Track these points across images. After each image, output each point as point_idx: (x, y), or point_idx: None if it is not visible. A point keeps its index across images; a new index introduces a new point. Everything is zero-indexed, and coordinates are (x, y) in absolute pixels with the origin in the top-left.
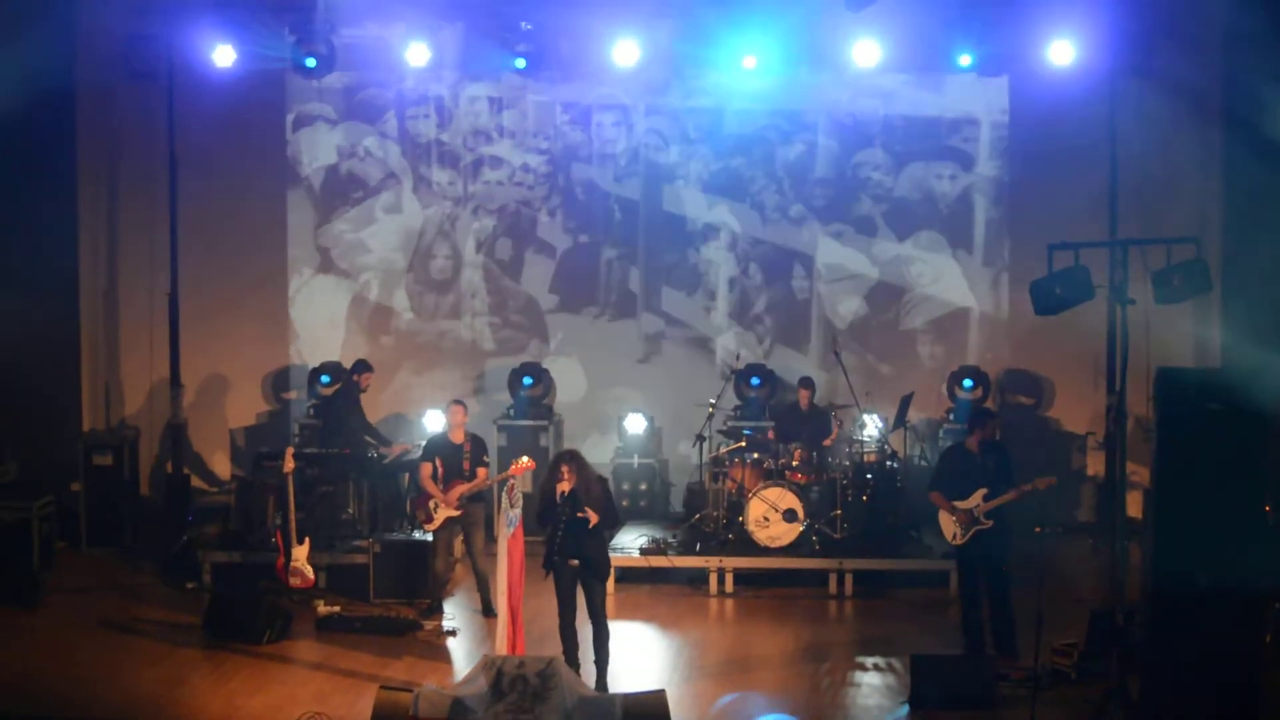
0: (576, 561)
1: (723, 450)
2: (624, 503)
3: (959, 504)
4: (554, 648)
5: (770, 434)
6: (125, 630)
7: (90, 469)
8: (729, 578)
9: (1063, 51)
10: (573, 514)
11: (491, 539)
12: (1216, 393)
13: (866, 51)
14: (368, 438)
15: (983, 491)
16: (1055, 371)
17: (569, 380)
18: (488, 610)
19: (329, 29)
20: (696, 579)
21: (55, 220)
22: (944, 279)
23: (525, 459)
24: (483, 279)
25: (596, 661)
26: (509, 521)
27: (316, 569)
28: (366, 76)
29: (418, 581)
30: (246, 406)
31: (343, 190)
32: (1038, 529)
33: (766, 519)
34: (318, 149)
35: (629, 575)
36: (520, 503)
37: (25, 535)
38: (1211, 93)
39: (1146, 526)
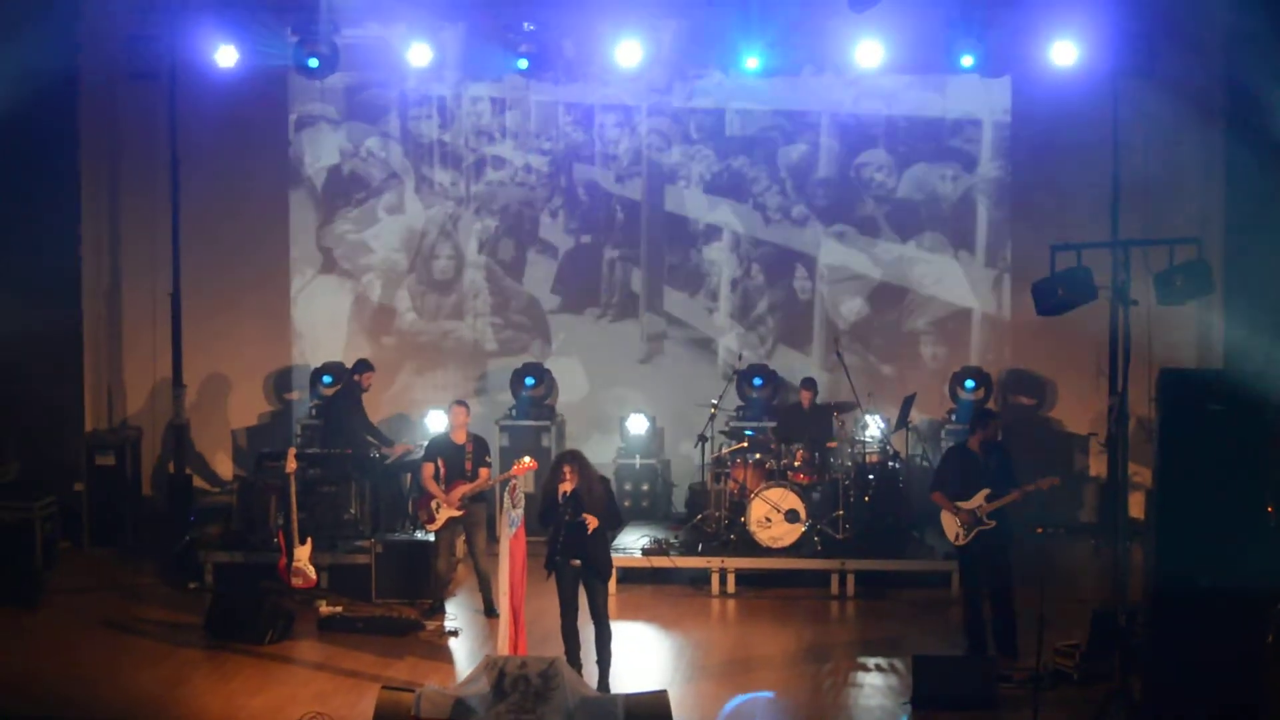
0: (578, 562)
1: (725, 451)
2: (626, 503)
3: (961, 504)
4: (556, 648)
5: (770, 435)
6: (127, 630)
7: (92, 469)
8: (731, 578)
9: (1065, 52)
10: (575, 515)
11: (493, 539)
12: (1219, 393)
13: (869, 52)
14: (369, 437)
15: (985, 492)
16: (1057, 372)
17: (571, 381)
18: (490, 610)
19: (331, 29)
20: (698, 579)
21: (57, 220)
22: (946, 280)
23: (527, 459)
24: (485, 279)
25: (598, 662)
26: (511, 522)
27: (318, 569)
28: (369, 77)
29: (420, 582)
30: (248, 407)
31: (345, 190)
32: (1040, 529)
33: (768, 519)
34: (320, 149)
35: (631, 576)
36: (522, 503)
37: (27, 535)
38: (1213, 93)
39: (1148, 527)
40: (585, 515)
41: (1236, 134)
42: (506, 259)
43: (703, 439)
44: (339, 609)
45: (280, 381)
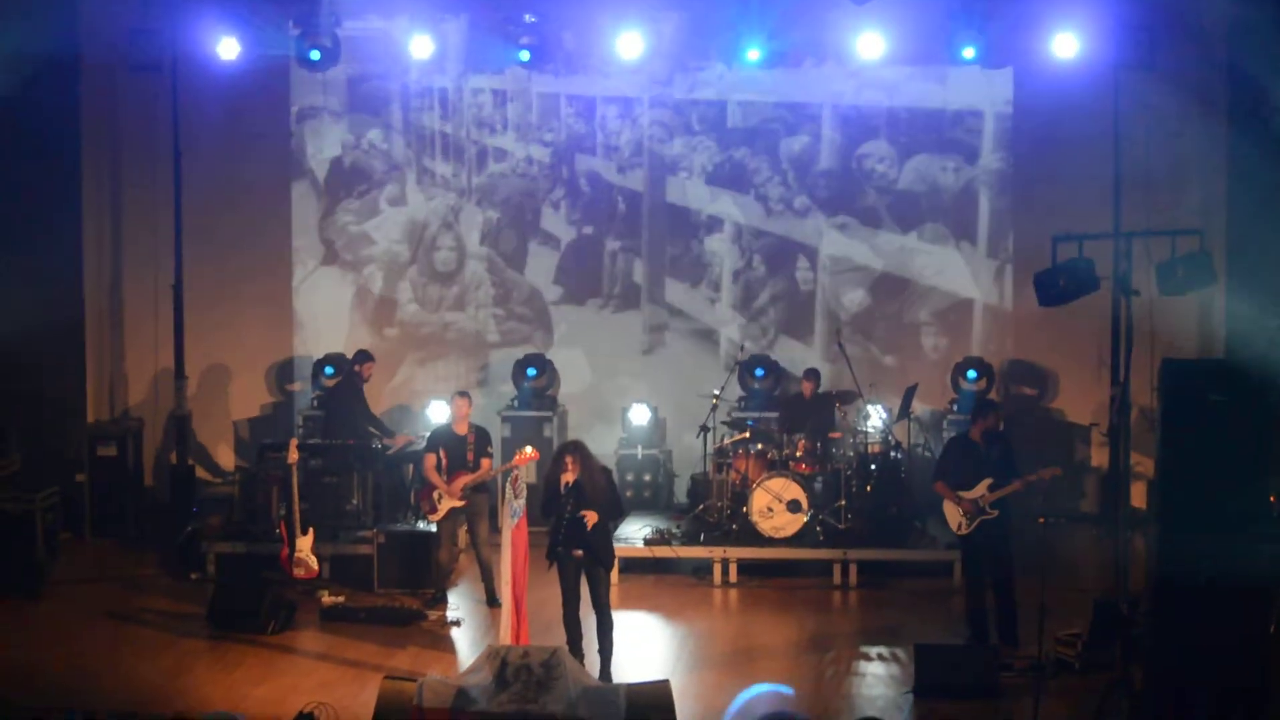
0: (580, 552)
1: (727, 441)
2: (628, 493)
3: (964, 494)
4: (558, 638)
5: (774, 427)
6: (129, 621)
7: (95, 460)
8: (733, 568)
9: (1066, 44)
10: (576, 505)
11: (495, 529)
12: (1221, 384)
13: (870, 44)
14: (371, 428)
15: (987, 482)
16: (1059, 363)
17: (573, 371)
18: (492, 600)
19: (333, 22)
20: (700, 569)
21: (59, 212)
22: (948, 271)
23: (529, 450)
24: (487, 270)
25: (600, 651)
26: (513, 512)
27: (321, 559)
28: (370, 69)
29: (422, 572)
30: (250, 398)
31: (347, 182)
32: (1042, 519)
33: (770, 509)
34: (322, 141)
35: (633, 565)
36: (524, 493)
37: (30, 526)
38: (1215, 85)
39: (1150, 517)
40: (584, 511)
41: (1238, 125)
42: (508, 250)
43: (705, 429)
44: (341, 599)
45: (282, 372)
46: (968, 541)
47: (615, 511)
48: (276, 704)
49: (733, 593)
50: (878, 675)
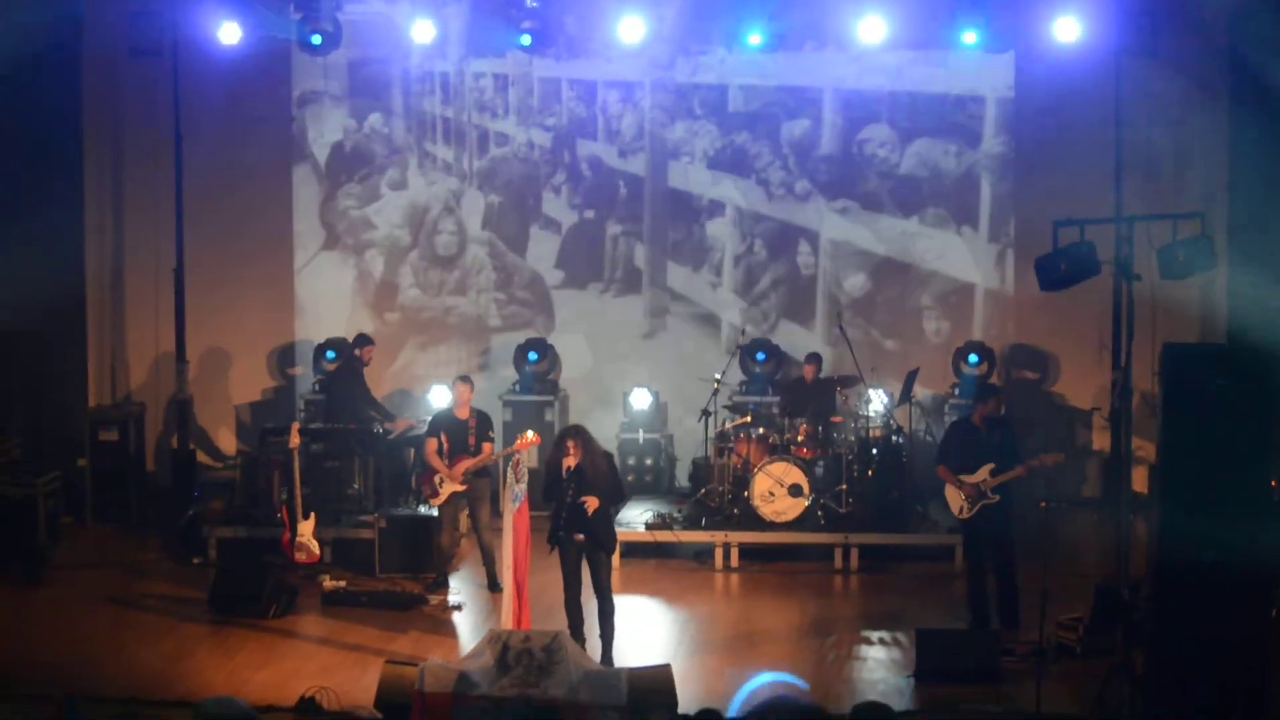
0: (582, 536)
1: (728, 425)
2: (629, 478)
3: (966, 478)
4: (559, 622)
5: (774, 410)
6: (131, 605)
7: (96, 444)
8: (734, 552)
9: (1068, 28)
10: (578, 490)
11: (497, 514)
12: (1222, 368)
13: (872, 28)
14: (371, 412)
15: (989, 466)
16: (1060, 347)
17: (574, 356)
18: (493, 585)
19: (334, 6)
20: (702, 554)
21: (60, 197)
22: (949, 255)
23: (530, 434)
24: (488, 255)
25: (602, 636)
26: (514, 496)
27: (322, 544)
28: (372, 53)
29: (423, 556)
30: (251, 382)
31: (348, 166)
32: (1043, 504)
33: (772, 494)
34: (323, 125)
35: (634, 550)
36: (525, 478)
37: (31, 511)
38: (1217, 69)
39: (1152, 501)
40: (585, 497)
41: (1240, 110)
42: (509, 235)
43: (706, 414)
44: (342, 584)
45: (283, 357)
46: (969, 526)
47: (617, 496)
48: (278, 688)
49: (734, 577)
50: (879, 660)
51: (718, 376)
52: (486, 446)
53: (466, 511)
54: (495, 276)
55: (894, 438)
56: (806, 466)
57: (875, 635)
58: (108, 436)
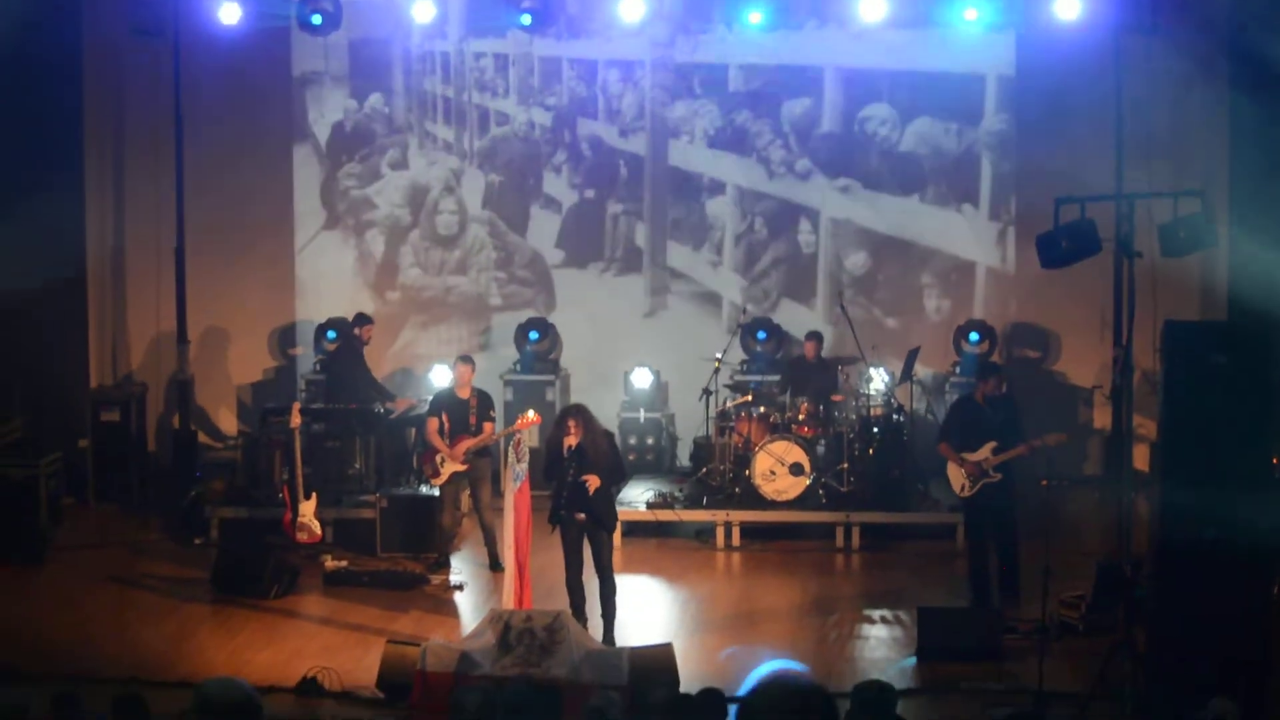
0: (583, 515)
1: (729, 404)
2: (630, 457)
3: (968, 456)
4: (561, 601)
5: (774, 389)
6: (133, 586)
7: (98, 425)
8: (735, 531)
9: (1069, 6)
10: (579, 469)
11: (498, 493)
12: (1223, 345)
13: (872, 6)
14: (370, 392)
15: (991, 444)
16: (1061, 325)
17: (575, 335)
18: (494, 564)
19: None
20: (703, 533)
21: (61, 178)
22: (950, 233)
23: (531, 414)
24: (489, 234)
25: (603, 615)
26: (515, 476)
27: (324, 524)
28: (372, 33)
29: (425, 536)
30: (253, 362)
31: (349, 147)
32: (1044, 482)
33: (773, 472)
34: (324, 106)
35: (635, 529)
36: (526, 457)
37: (33, 492)
38: (1218, 46)
39: (1153, 479)
40: (585, 476)
41: (1240, 87)
42: (510, 214)
43: (707, 393)
44: (344, 564)
45: (284, 337)
46: (970, 504)
47: (618, 475)
48: (280, 668)
49: (735, 556)
50: (880, 638)
51: (718, 355)
52: (487, 426)
53: (468, 491)
54: (496, 256)
55: (895, 416)
56: (808, 445)
57: (877, 614)
58: (109, 417)
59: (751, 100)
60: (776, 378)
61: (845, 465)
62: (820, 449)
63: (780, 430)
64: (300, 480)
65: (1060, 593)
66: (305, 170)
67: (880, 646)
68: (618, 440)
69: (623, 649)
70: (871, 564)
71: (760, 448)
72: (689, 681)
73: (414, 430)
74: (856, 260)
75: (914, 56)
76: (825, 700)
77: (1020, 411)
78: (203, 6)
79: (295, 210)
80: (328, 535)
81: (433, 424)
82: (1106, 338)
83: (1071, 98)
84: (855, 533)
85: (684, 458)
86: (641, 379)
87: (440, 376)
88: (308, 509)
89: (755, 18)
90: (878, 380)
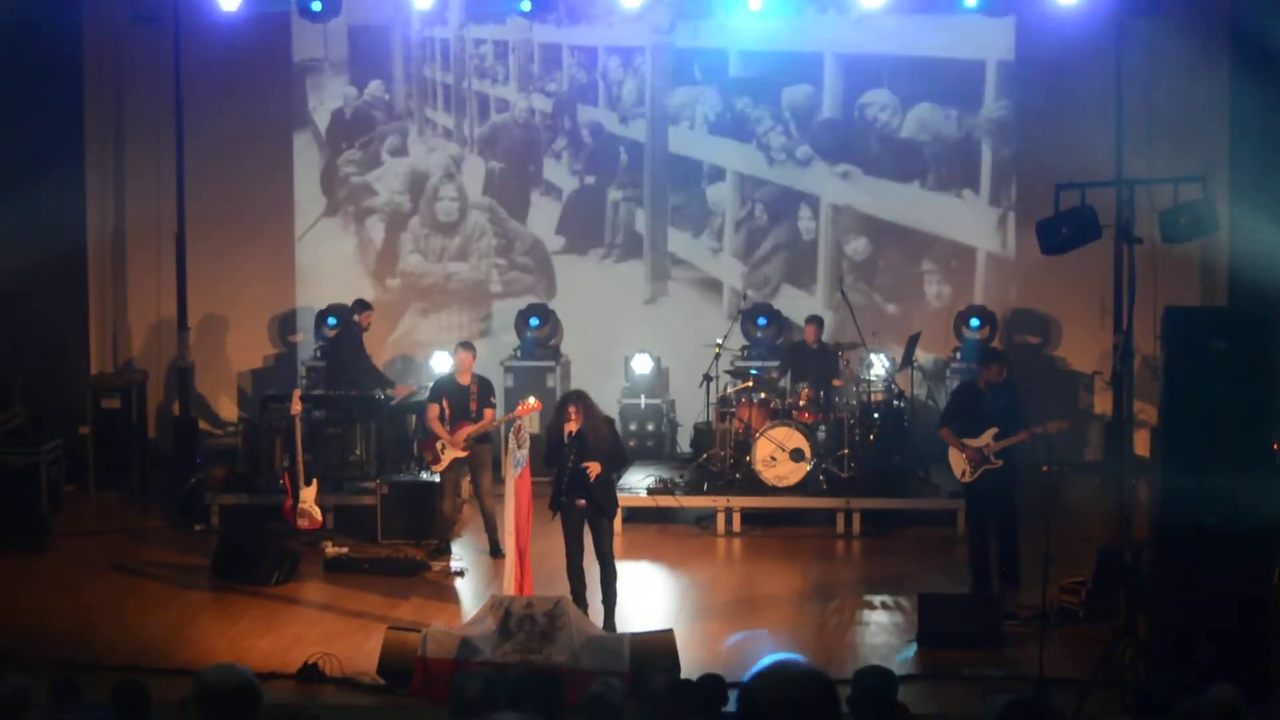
0: (584, 501)
1: (730, 390)
2: (631, 443)
3: (969, 441)
4: (561, 588)
5: (773, 374)
6: (133, 573)
7: (98, 412)
8: (736, 517)
9: None
10: (579, 455)
11: (499, 480)
12: (1224, 331)
13: None
14: (369, 379)
15: (993, 431)
16: (1062, 311)
17: (576, 321)
18: (495, 551)
19: None
20: (704, 519)
21: (62, 164)
22: (951, 219)
23: (532, 400)
24: (489, 221)
25: (604, 601)
26: (516, 462)
27: (324, 510)
28: (372, 20)
29: (425, 522)
30: (253, 349)
31: (349, 133)
32: (1045, 468)
33: (774, 458)
34: (323, 92)
35: (636, 515)
36: (527, 443)
37: (33, 479)
38: (1219, 31)
39: (1154, 465)
40: (587, 463)
41: (1242, 72)
42: (510, 201)
43: (708, 378)
44: (345, 550)
45: (284, 323)
46: (971, 490)
47: (619, 461)
48: (281, 655)
49: (736, 542)
50: (881, 624)
51: (719, 341)
52: (488, 412)
53: (468, 478)
54: (496, 243)
55: (895, 402)
56: (808, 431)
57: (877, 600)
58: (110, 404)
59: (752, 86)
60: (776, 363)
61: (846, 451)
62: (821, 435)
63: (781, 416)
64: (301, 467)
65: (1061, 579)
66: (305, 157)
67: (881, 632)
68: (618, 426)
69: (623, 635)
70: (872, 550)
71: (761, 433)
72: (690, 667)
73: (415, 417)
74: (857, 246)
75: (914, 42)
76: (826, 686)
77: (1022, 398)
78: None
79: (295, 197)
80: (328, 522)
81: (433, 410)
82: (1107, 323)
83: (1072, 82)
84: (856, 518)
85: (685, 444)
86: (642, 365)
87: (441, 363)
88: (308, 495)
89: (755, 4)
90: (878, 366)
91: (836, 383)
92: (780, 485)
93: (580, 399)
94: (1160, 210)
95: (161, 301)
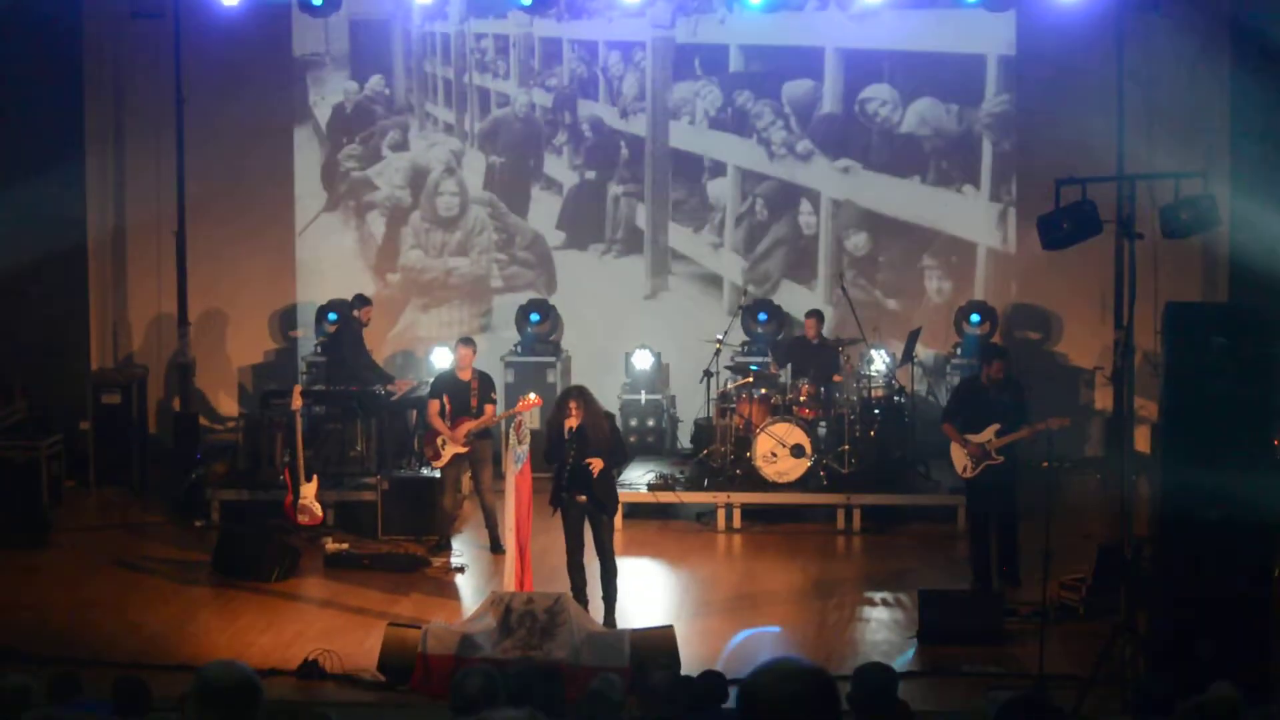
0: (584, 497)
1: (730, 386)
2: (631, 439)
3: (971, 437)
4: (562, 584)
5: (773, 368)
6: (134, 569)
7: (99, 408)
8: (737, 513)
9: None
10: (580, 451)
11: (499, 476)
12: (1225, 327)
13: None
14: (368, 374)
15: (995, 427)
16: (1063, 306)
17: (576, 317)
18: (496, 547)
19: None
20: (704, 515)
21: (62, 160)
22: (951, 214)
23: (532, 395)
24: (489, 216)
25: (604, 597)
26: (516, 458)
27: (325, 506)
28: (372, 14)
29: (426, 518)
30: (253, 344)
31: (349, 128)
32: (1045, 464)
33: (774, 454)
34: (324, 87)
35: (637, 511)
36: (528, 439)
37: (34, 475)
38: (1220, 26)
39: (1154, 461)
40: (588, 459)
41: (1242, 67)
42: (511, 196)
43: (708, 374)
44: (345, 546)
45: (285, 319)
46: (972, 486)
47: (619, 457)
48: (281, 651)
49: (736, 538)
50: (881, 620)
51: (719, 337)
52: (489, 408)
53: (469, 473)
54: (497, 237)
55: (896, 398)
56: (809, 427)
57: (878, 596)
58: (110, 399)
59: (752, 81)
60: (769, 358)
61: (846, 447)
62: (821, 431)
63: (781, 412)
64: (301, 462)
65: (1061, 575)
66: (306, 152)
67: (881, 629)
68: (619, 422)
69: (624, 631)
70: (872, 546)
71: (761, 429)
72: (690, 664)
73: (415, 412)
74: (857, 241)
75: (914, 37)
76: (826, 683)
77: (1026, 394)
78: None
79: (296, 192)
80: (329, 518)
81: (434, 406)
82: (1108, 319)
83: (1072, 77)
84: (856, 515)
85: (685, 440)
86: (642, 360)
87: (441, 358)
88: (309, 491)
89: None
90: (879, 362)
91: (837, 378)
92: (781, 481)
93: (581, 394)
94: (1161, 205)
95: (162, 297)
